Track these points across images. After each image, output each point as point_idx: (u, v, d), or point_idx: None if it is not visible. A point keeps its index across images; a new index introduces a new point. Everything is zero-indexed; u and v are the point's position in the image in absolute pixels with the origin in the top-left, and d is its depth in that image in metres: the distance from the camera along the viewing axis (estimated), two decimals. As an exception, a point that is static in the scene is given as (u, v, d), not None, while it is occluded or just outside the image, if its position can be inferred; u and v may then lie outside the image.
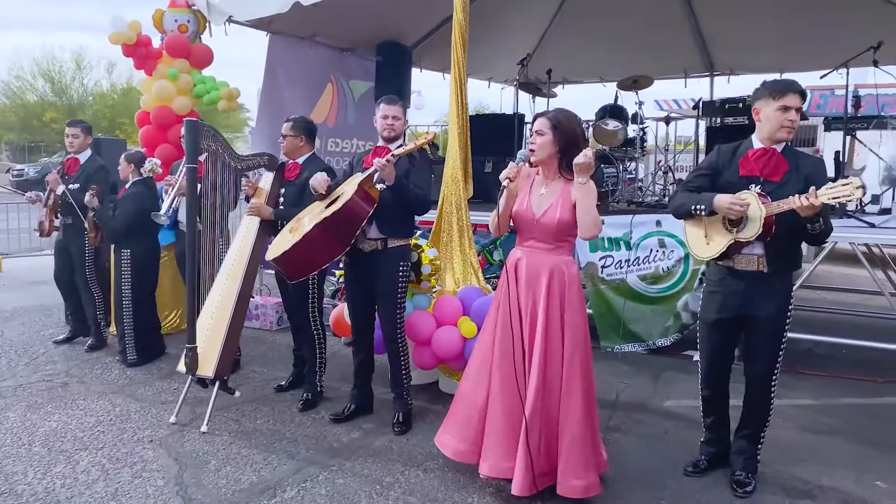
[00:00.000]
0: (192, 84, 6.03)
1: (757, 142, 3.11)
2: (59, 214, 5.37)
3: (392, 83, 7.50)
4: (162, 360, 5.19)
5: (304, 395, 4.31)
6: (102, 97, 31.06)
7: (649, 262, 5.50)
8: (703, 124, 8.15)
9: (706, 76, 9.20)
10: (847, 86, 5.87)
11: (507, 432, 3.05)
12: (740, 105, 7.11)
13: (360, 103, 8.02)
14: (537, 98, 9.18)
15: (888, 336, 5.11)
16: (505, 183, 3.03)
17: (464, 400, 3.27)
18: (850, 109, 6.51)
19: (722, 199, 3.01)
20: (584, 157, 2.88)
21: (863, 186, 2.82)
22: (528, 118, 8.65)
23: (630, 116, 7.67)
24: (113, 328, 5.54)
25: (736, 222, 3.02)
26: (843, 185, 2.74)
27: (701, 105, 7.90)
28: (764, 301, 3.08)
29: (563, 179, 3.06)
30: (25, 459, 3.49)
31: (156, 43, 6.14)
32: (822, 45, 7.33)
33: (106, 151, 6.50)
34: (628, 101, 7.99)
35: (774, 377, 3.18)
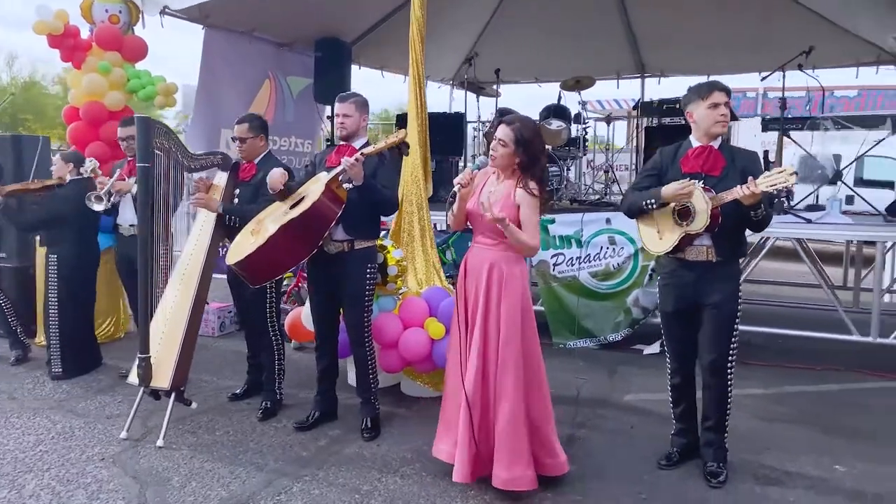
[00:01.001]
0: (126, 78, 5.70)
1: (695, 141, 3.31)
2: None
3: (331, 80, 7.36)
4: (100, 372, 4.88)
5: (263, 403, 4.14)
6: (2, 92, 29.04)
7: (600, 259, 5.60)
8: (638, 124, 8.36)
9: (637, 77, 9.47)
10: (783, 88, 6.16)
11: (455, 419, 3.15)
12: (677, 106, 7.30)
13: (298, 100, 7.83)
14: (481, 97, 9.20)
15: (818, 325, 5.40)
16: (456, 188, 3.10)
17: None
18: (768, 110, 6.83)
19: (668, 189, 3.19)
20: (490, 216, 2.90)
21: (795, 172, 3.04)
22: (472, 117, 8.68)
23: (573, 116, 7.79)
24: (41, 338, 5.16)
25: (685, 216, 3.19)
26: (778, 172, 2.99)
27: (640, 106, 8.10)
28: (715, 288, 3.24)
29: (514, 179, 3.12)
30: (-38, 486, 3.19)
31: (84, 34, 5.77)
32: (748, 49, 7.68)
33: (26, 149, 5.88)
34: (570, 100, 8.11)
35: (731, 362, 3.30)
